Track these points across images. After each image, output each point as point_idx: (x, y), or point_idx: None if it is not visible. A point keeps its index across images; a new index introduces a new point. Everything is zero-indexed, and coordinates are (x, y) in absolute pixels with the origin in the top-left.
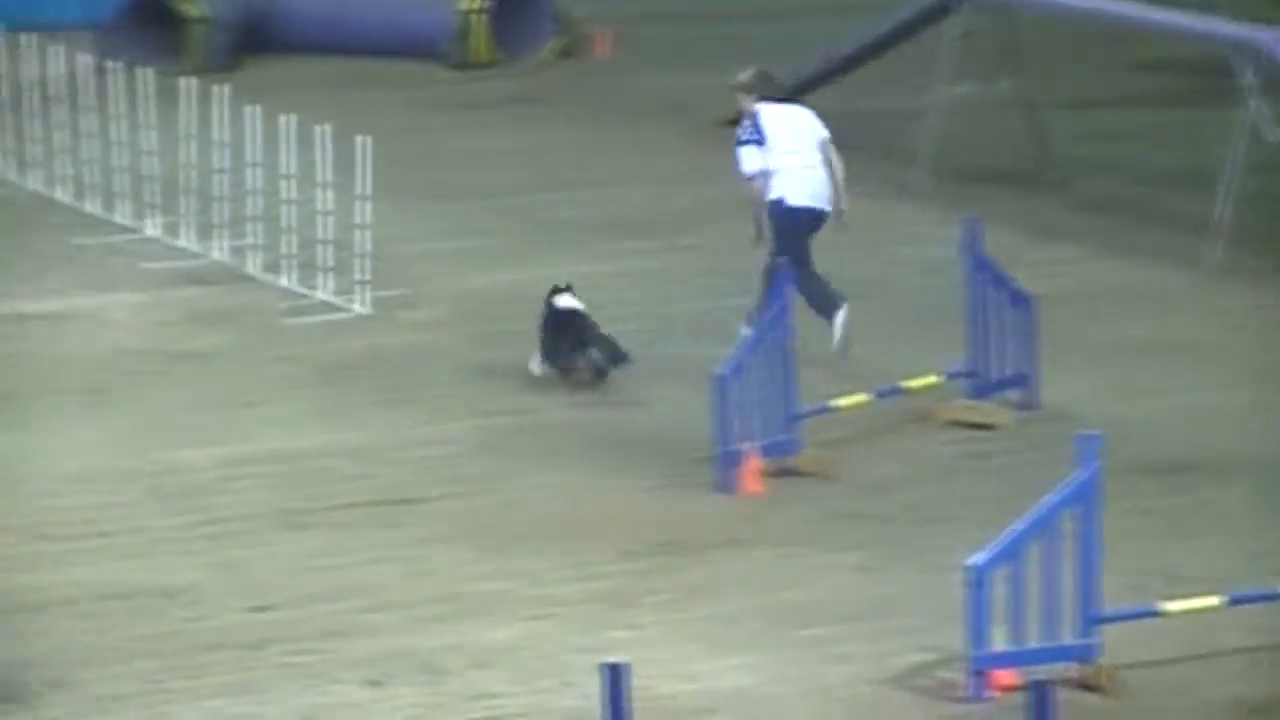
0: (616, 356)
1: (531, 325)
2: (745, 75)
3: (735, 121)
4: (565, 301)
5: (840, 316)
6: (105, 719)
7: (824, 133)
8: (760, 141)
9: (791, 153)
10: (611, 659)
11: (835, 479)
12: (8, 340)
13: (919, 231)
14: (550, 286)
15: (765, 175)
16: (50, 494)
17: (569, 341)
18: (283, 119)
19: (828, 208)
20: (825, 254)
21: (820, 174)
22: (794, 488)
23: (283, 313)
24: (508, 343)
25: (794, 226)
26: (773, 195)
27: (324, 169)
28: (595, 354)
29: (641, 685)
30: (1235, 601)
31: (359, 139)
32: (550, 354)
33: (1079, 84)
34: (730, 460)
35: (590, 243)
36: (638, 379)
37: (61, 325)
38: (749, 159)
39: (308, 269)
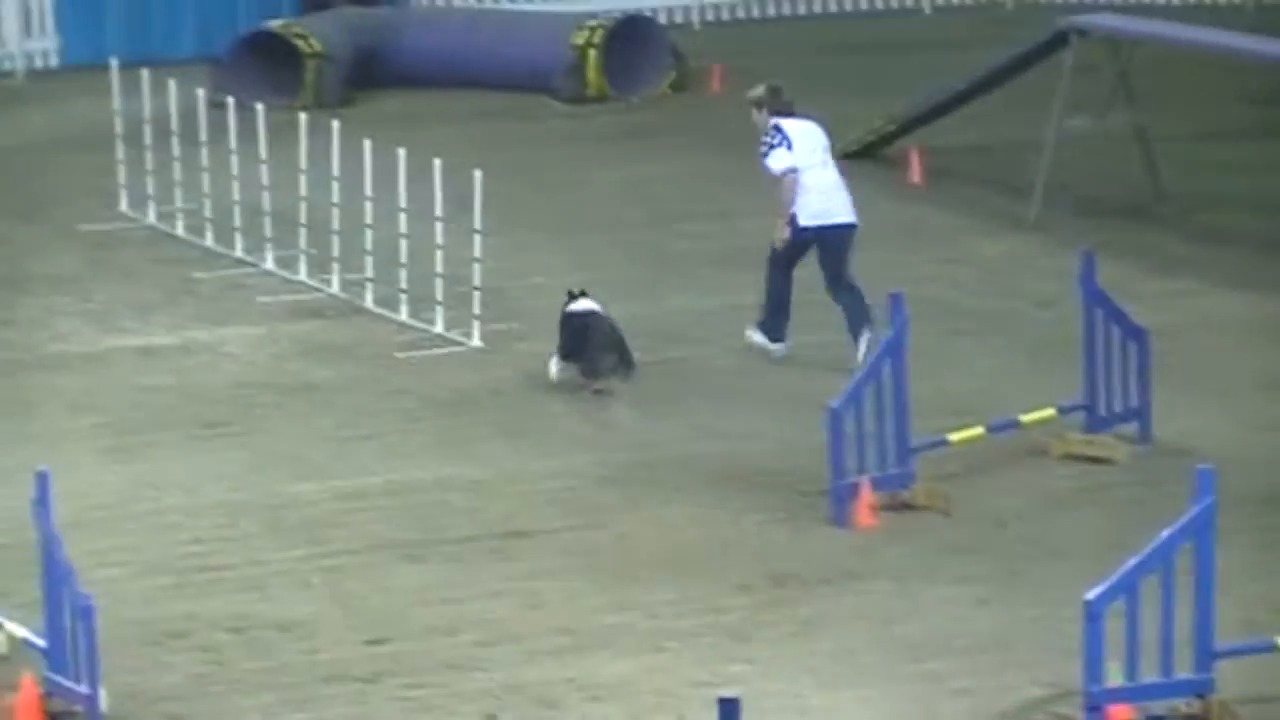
0: (628, 360)
1: (645, 356)
2: (758, 90)
3: (853, 153)
4: (583, 305)
5: (864, 340)
6: None
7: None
8: (788, 145)
9: (812, 166)
10: (727, 693)
11: (949, 513)
12: (126, 373)
13: (1034, 264)
14: (566, 292)
15: (796, 172)
16: (167, 527)
17: (593, 342)
18: (397, 153)
19: (849, 218)
20: (943, 286)
21: (835, 183)
22: (908, 521)
23: (397, 346)
24: (622, 375)
25: (799, 242)
26: (791, 209)
27: (438, 203)
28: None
29: (757, 719)
30: None
31: (473, 173)
32: (573, 354)
33: (1193, 116)
34: (844, 493)
35: (704, 276)
36: (753, 411)
37: (179, 359)
38: (779, 159)
39: (422, 302)
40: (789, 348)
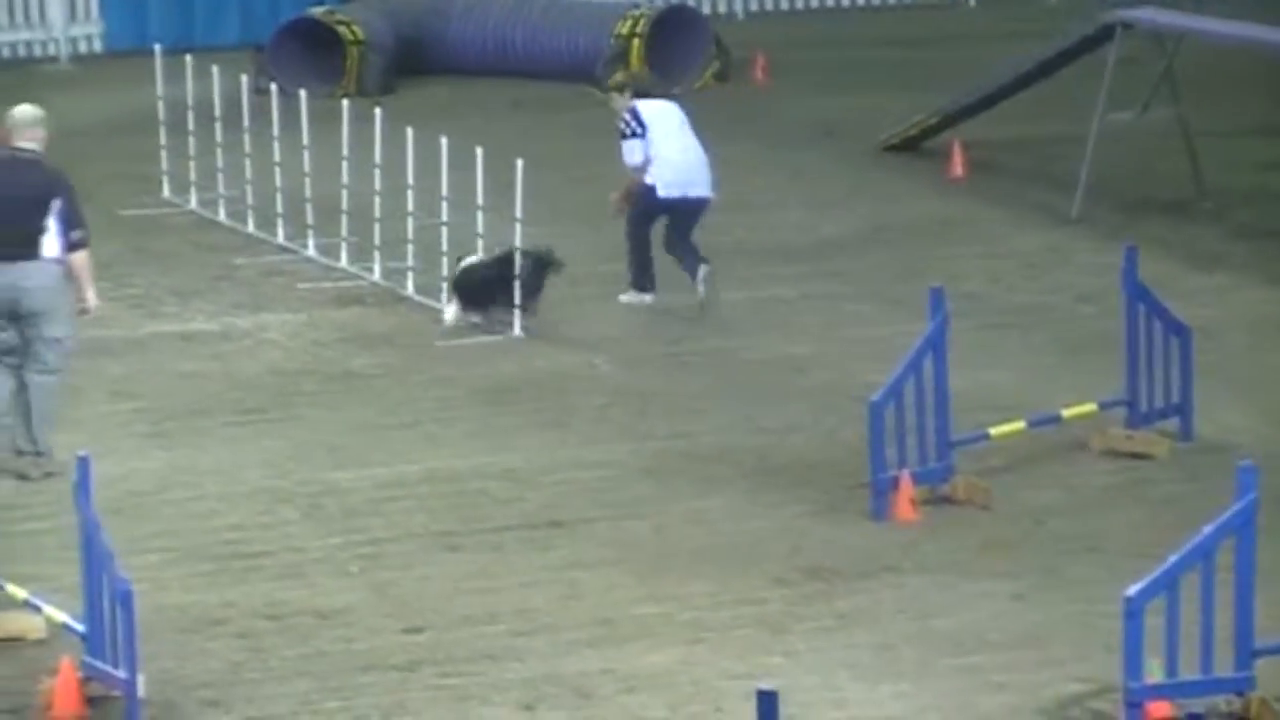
0: (545, 262)
1: (685, 348)
2: (618, 75)
3: (894, 146)
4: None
5: (702, 272)
6: None
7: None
8: (642, 134)
9: (668, 141)
10: (764, 685)
11: (989, 507)
12: (166, 359)
13: (1076, 259)
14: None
15: (648, 162)
16: (205, 514)
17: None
18: (439, 141)
19: (705, 193)
20: (984, 280)
21: (696, 158)
22: (948, 515)
23: (437, 334)
24: (661, 367)
25: (655, 211)
26: (649, 180)
27: (479, 191)
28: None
29: (794, 712)
30: None
31: (514, 161)
32: (470, 301)
33: (1237, 111)
34: (884, 487)
35: (744, 267)
36: (793, 404)
37: (219, 345)
38: (632, 151)
39: None
40: (659, 297)
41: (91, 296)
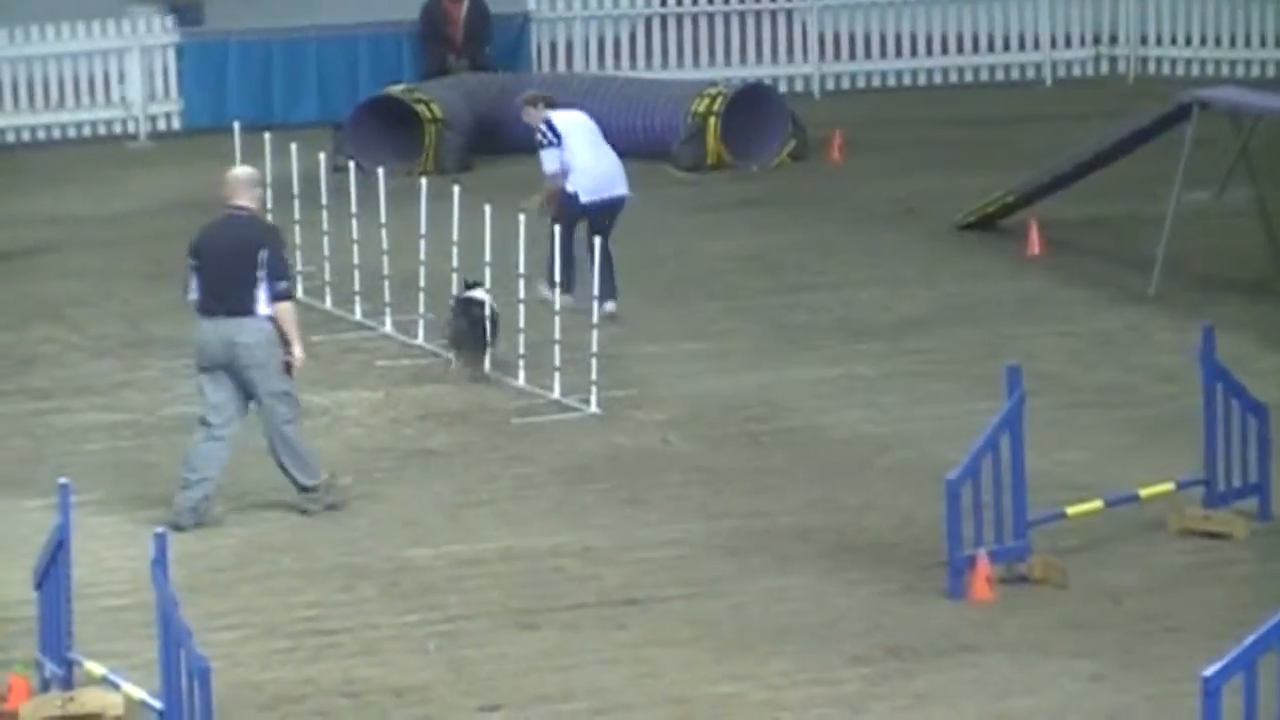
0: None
1: (762, 425)
2: (528, 92)
3: (970, 224)
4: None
5: (610, 306)
6: None
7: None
8: (557, 144)
9: (583, 150)
10: None
11: (1066, 586)
12: (243, 436)
13: (1153, 338)
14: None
15: (566, 170)
16: (283, 591)
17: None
18: (516, 218)
19: (623, 191)
20: (1061, 359)
21: (610, 162)
22: (1025, 595)
23: (514, 412)
24: (738, 444)
25: (578, 216)
26: (570, 188)
27: (556, 269)
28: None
29: None
30: None
31: (591, 239)
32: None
33: None
34: (961, 566)
35: (822, 346)
36: (871, 482)
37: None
38: (550, 160)
39: (539, 369)
40: (575, 299)
41: (298, 350)
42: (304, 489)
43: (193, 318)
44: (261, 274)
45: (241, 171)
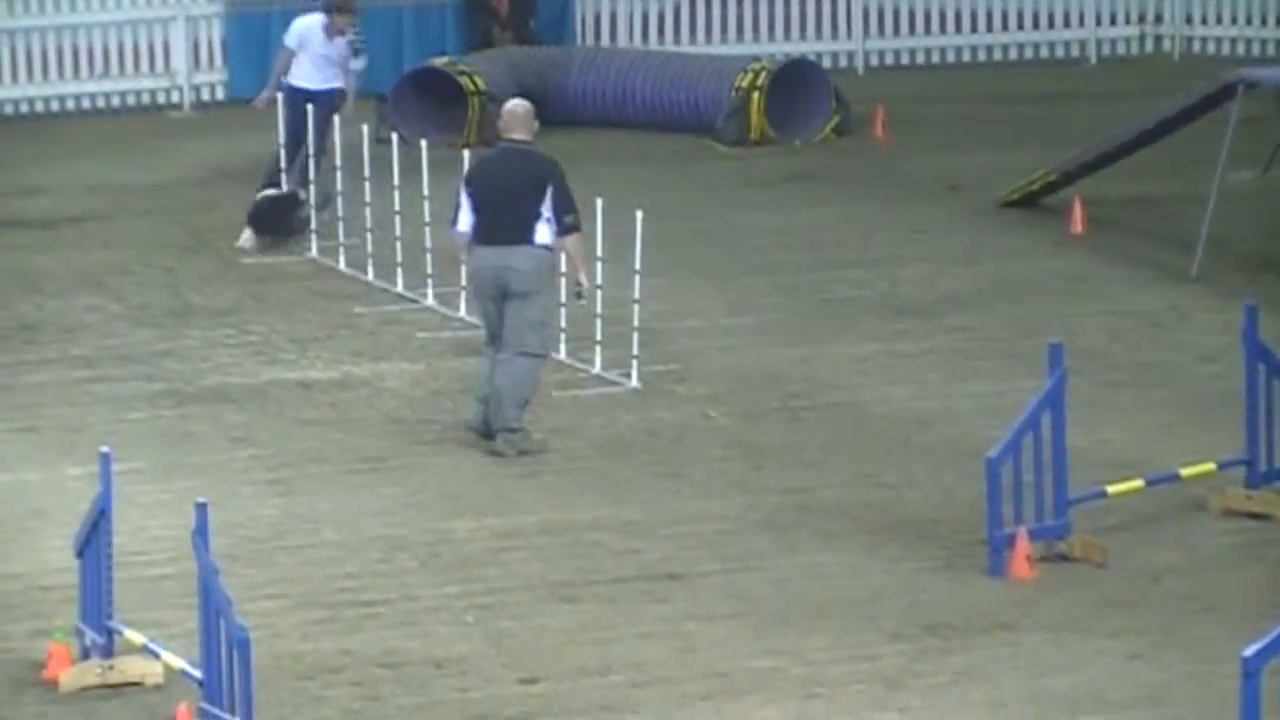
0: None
1: (802, 401)
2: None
3: (1014, 202)
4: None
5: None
6: None
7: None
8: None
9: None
10: None
11: (1106, 566)
12: (285, 406)
13: (1196, 318)
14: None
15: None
16: (322, 561)
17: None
18: None
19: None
20: (1104, 337)
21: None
22: (1064, 573)
23: (555, 385)
24: (779, 420)
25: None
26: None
27: (599, 242)
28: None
29: None
30: None
31: (634, 213)
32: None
33: None
34: (1000, 544)
35: (864, 322)
36: (912, 459)
37: (337, 393)
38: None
39: (581, 342)
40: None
41: (585, 278)
42: (509, 429)
43: (469, 248)
44: (546, 207)
45: (518, 105)
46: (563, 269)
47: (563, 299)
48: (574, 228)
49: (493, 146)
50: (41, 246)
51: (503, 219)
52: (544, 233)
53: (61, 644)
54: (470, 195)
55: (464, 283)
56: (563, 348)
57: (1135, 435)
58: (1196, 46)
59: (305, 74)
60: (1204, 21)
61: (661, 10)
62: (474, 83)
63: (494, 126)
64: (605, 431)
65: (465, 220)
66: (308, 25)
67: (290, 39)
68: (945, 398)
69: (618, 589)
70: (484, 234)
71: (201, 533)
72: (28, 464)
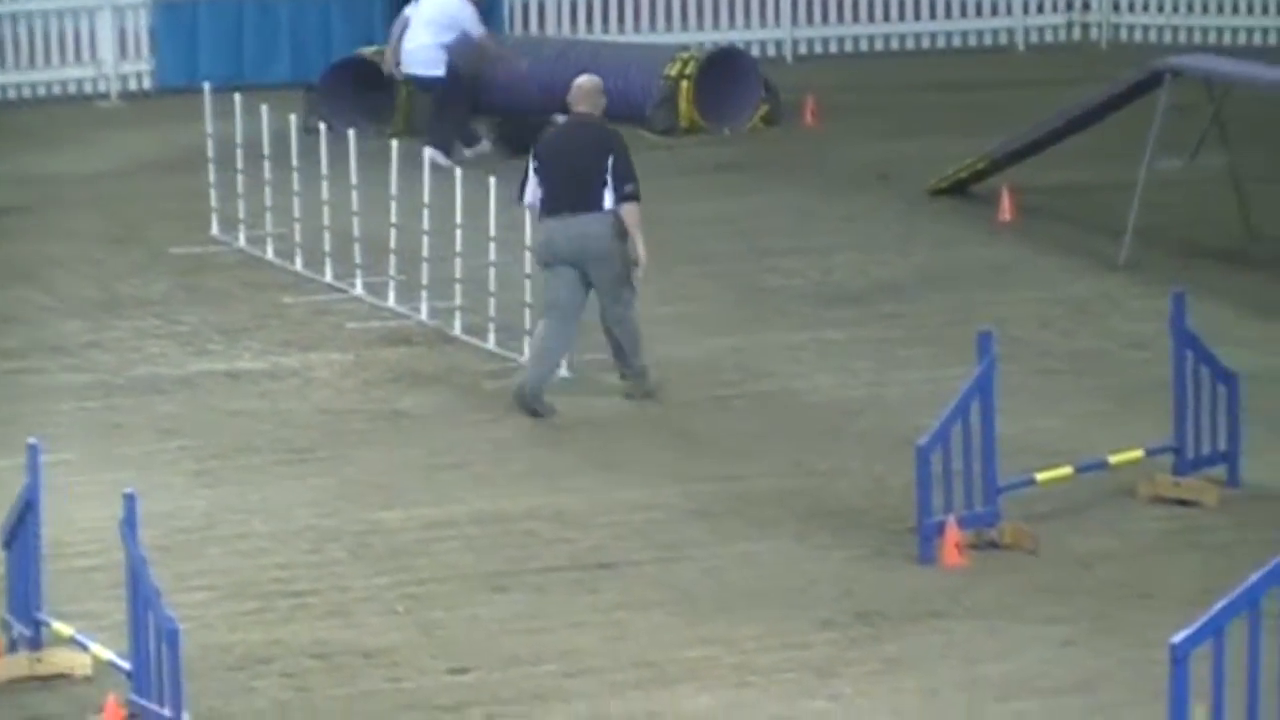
0: None
1: (735, 390)
2: None
3: (942, 190)
4: None
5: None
6: None
7: None
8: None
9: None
10: None
11: (1036, 553)
12: (214, 397)
13: (1125, 305)
14: None
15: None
16: (252, 552)
17: None
18: (487, 180)
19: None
20: (1033, 325)
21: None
22: (995, 560)
23: (485, 375)
24: (713, 409)
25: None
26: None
27: (527, 231)
28: None
29: None
30: None
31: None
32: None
33: None
34: (931, 532)
35: (796, 311)
36: (844, 447)
37: (267, 383)
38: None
39: (510, 332)
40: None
41: (641, 249)
42: (634, 371)
43: (536, 218)
44: (608, 177)
45: (585, 80)
46: None
47: (492, 288)
48: (633, 196)
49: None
50: None
51: (570, 189)
52: (609, 199)
53: None
54: (538, 168)
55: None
56: (491, 338)
57: (1065, 422)
58: (1124, 34)
59: None
60: (1131, 9)
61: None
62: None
63: (421, 116)
64: (536, 421)
65: (532, 192)
66: None
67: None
68: (876, 386)
69: (549, 578)
70: (554, 205)
71: (130, 524)
72: None
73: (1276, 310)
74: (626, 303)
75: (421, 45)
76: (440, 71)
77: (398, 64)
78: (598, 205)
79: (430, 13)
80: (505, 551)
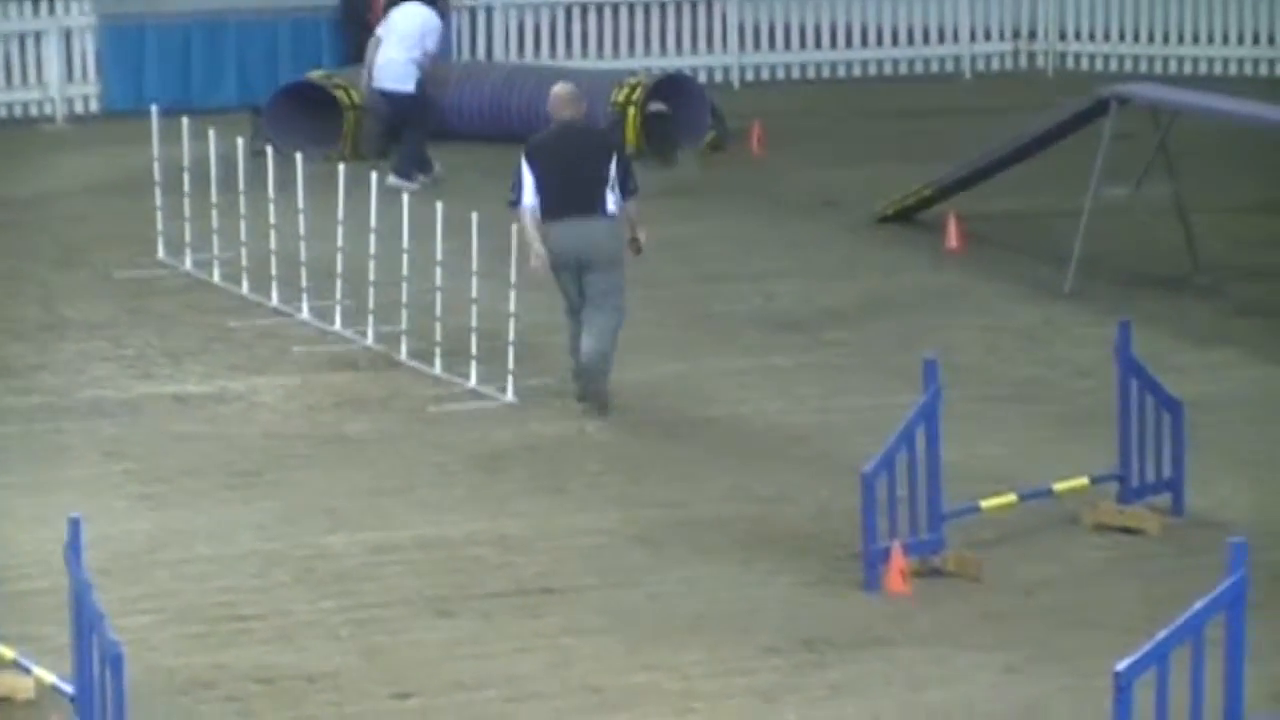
0: None
1: (679, 415)
2: None
3: (889, 217)
4: None
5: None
6: None
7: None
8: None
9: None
10: None
11: (980, 580)
12: (159, 421)
13: (1070, 333)
14: None
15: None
16: (197, 576)
17: None
18: (434, 205)
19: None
20: (978, 352)
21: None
22: (939, 588)
23: (431, 399)
24: (658, 434)
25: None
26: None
27: (474, 256)
28: None
29: None
30: None
31: (510, 227)
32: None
33: (1233, 188)
34: (876, 559)
35: (741, 337)
36: (788, 473)
37: (212, 407)
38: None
39: (456, 356)
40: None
41: (643, 235)
42: (600, 388)
43: (543, 222)
44: (614, 178)
45: (564, 88)
46: None
47: (438, 314)
48: (637, 190)
49: (369, 160)
50: None
51: (573, 191)
52: (611, 201)
53: None
54: (535, 171)
55: (541, 253)
56: (438, 362)
57: (1009, 450)
58: (1070, 62)
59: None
60: (1078, 37)
61: (538, 24)
62: (349, 96)
63: (368, 141)
64: (481, 446)
65: (529, 195)
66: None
67: None
68: (821, 412)
69: (493, 603)
70: (556, 209)
71: (74, 547)
72: None
73: (1220, 339)
74: (616, 310)
75: (391, 60)
76: (410, 87)
77: (370, 81)
78: (601, 208)
79: (404, 27)
80: (449, 576)
